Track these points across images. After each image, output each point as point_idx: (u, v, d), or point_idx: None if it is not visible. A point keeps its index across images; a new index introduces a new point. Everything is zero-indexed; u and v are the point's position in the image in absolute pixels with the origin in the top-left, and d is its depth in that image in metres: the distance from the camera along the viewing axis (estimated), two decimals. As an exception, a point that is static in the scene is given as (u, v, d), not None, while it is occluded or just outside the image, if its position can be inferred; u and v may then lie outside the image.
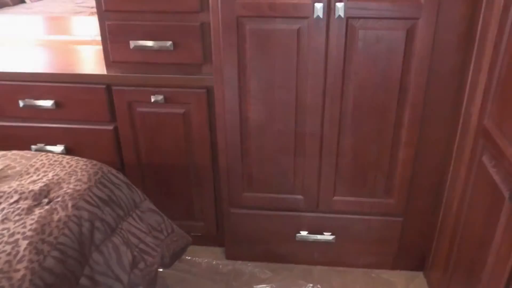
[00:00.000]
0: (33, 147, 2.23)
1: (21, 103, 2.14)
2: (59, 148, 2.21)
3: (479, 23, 1.71)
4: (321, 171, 2.11)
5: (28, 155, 1.83)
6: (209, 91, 2.06)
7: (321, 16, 1.78)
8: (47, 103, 2.13)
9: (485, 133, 1.62)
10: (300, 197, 2.20)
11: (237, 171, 2.15)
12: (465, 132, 1.83)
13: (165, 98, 2.07)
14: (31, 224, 1.42)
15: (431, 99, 1.93)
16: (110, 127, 2.17)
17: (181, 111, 2.10)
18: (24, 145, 2.18)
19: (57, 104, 2.14)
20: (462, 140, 1.87)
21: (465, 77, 1.84)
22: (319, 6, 1.76)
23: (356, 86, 1.91)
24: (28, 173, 1.70)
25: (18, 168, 1.73)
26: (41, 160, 1.78)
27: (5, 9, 4.17)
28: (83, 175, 1.69)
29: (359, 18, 1.80)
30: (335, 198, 2.17)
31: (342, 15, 1.77)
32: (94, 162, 1.80)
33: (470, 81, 1.80)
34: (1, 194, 1.56)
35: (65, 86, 2.12)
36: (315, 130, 2.01)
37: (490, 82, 1.61)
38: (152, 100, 2.07)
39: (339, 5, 1.76)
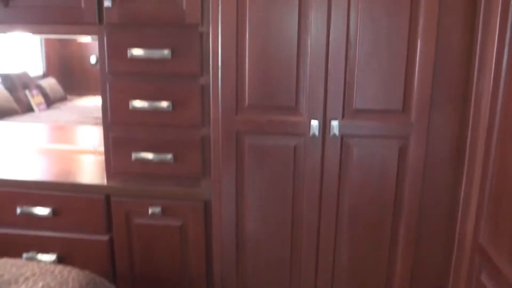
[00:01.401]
0: (24, 255, 2.20)
1: (18, 210, 2.15)
2: (51, 257, 2.18)
3: (468, 139, 1.78)
4: (316, 286, 2.06)
5: (19, 263, 1.80)
6: (207, 204, 2.07)
7: (316, 134, 1.86)
8: (44, 211, 2.14)
9: (481, 251, 1.62)
10: (296, 314, 2.12)
11: (231, 284, 2.10)
12: (461, 250, 1.82)
13: (163, 210, 2.08)
14: (15, 338, 1.36)
15: (426, 216, 1.95)
16: (106, 238, 2.16)
17: (178, 223, 2.11)
18: (16, 252, 2.15)
19: (54, 212, 2.14)
20: (458, 258, 1.85)
21: (458, 194, 1.87)
22: (315, 124, 1.85)
23: (352, 201, 1.94)
24: (17, 282, 1.66)
25: (6, 277, 1.69)
26: (32, 269, 1.75)
27: (14, 117, 4.31)
28: (74, 285, 1.65)
29: (354, 136, 1.88)
30: (332, 316, 2.10)
31: (337, 133, 1.85)
32: (87, 272, 1.76)
33: (463, 197, 1.83)
34: (-12, 304, 1.51)
35: (64, 195, 2.14)
36: (311, 245, 2.00)
37: (482, 198, 1.64)
38: (150, 211, 2.08)
39: (334, 123, 1.84)
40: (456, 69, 1.81)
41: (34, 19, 2.05)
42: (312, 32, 1.81)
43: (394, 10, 1.76)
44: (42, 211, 2.14)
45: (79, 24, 2.02)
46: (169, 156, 2.05)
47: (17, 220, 2.18)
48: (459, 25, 1.77)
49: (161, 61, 1.98)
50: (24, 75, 4.65)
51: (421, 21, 1.76)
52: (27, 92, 4.47)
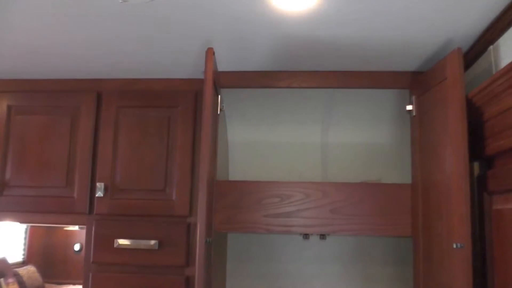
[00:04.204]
0: None
1: None
2: None
3: None
4: None
5: None
6: None
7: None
8: None
9: None
10: None
11: None
12: None
13: None
14: None
15: None
16: None
17: None
18: None
19: None
20: None
21: None
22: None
23: None
24: None
25: None
26: None
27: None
28: None
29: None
30: None
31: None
32: None
33: None
34: None
35: None
36: None
37: None
38: None
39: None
40: None
41: (26, 208, 2.09)
42: None
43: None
44: None
45: (70, 213, 2.06)
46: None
47: None
48: None
49: (147, 251, 1.98)
50: (2, 262, 4.54)
51: None
52: (2, 280, 4.31)
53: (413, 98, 1.90)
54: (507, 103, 1.43)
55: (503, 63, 1.52)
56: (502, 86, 1.43)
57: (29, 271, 4.63)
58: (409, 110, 1.91)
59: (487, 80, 1.50)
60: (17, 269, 4.54)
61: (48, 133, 2.12)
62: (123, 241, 1.99)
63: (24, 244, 4.96)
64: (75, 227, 4.65)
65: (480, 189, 1.64)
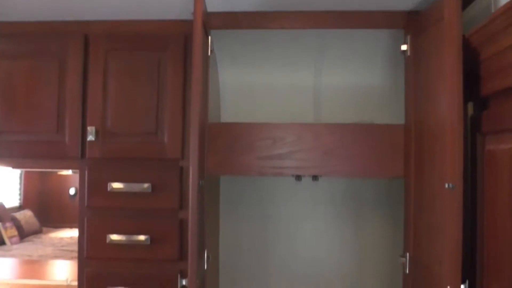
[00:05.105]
0: None
1: None
2: None
3: None
4: None
5: None
6: None
7: None
8: None
9: None
10: None
11: None
12: None
13: None
14: None
15: None
16: None
17: None
18: None
19: None
20: None
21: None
22: None
23: None
24: None
25: None
26: None
27: (-17, 250, 4.16)
28: None
29: None
30: None
31: None
32: None
33: None
34: None
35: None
36: None
37: None
38: None
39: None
40: None
41: (17, 154, 2.08)
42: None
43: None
44: None
45: (62, 158, 2.05)
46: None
47: None
48: None
49: (141, 195, 1.99)
50: (-1, 207, 4.59)
51: None
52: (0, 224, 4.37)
53: (408, 38, 1.86)
54: (504, 42, 1.40)
55: (503, 1, 1.47)
56: (500, 25, 1.39)
57: (26, 216, 4.69)
58: (404, 51, 1.87)
59: (485, 20, 1.46)
60: (14, 214, 4.60)
61: (35, 77, 2.06)
62: (116, 185, 1.99)
63: (20, 189, 5.00)
64: (69, 172, 4.67)
65: (473, 130, 1.64)
